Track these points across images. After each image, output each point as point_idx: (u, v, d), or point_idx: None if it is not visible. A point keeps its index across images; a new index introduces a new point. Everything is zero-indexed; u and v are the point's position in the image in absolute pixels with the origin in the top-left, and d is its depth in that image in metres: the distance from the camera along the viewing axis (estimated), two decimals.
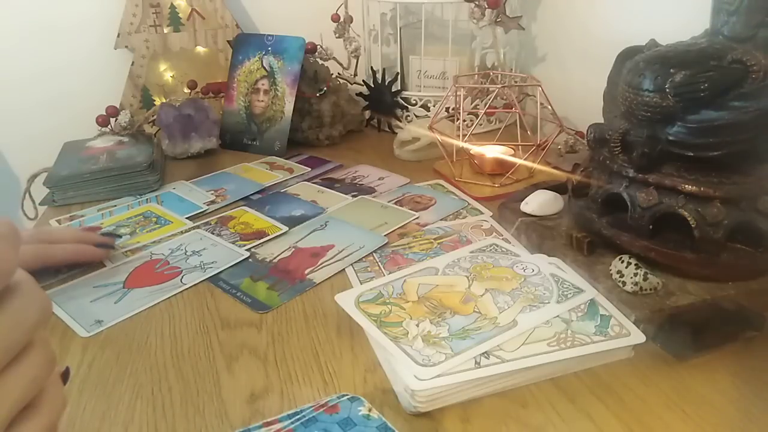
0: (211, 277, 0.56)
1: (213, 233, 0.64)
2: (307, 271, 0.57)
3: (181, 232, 0.65)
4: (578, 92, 0.80)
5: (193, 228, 0.66)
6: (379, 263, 0.57)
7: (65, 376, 0.37)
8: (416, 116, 0.95)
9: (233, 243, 0.62)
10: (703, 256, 0.47)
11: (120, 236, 0.63)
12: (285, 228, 0.65)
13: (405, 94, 0.95)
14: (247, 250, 0.60)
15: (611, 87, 0.55)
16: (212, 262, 0.58)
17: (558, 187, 0.63)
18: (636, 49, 0.53)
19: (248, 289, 0.54)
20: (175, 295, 0.54)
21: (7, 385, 0.21)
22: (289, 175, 0.81)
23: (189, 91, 0.94)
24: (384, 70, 0.95)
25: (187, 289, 0.55)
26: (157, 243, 0.63)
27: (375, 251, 0.59)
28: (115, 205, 0.73)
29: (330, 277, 0.56)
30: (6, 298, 0.21)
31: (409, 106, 0.95)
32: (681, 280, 0.48)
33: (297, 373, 0.44)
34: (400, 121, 0.95)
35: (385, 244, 0.61)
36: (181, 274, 0.57)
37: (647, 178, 0.49)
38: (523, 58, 1.01)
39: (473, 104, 0.91)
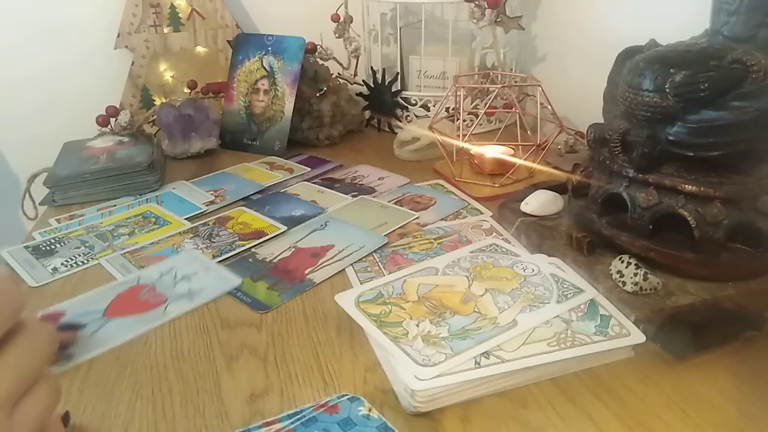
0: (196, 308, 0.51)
1: (212, 234, 0.64)
2: (307, 271, 0.57)
3: (180, 233, 0.65)
4: (578, 92, 0.80)
5: (191, 232, 0.65)
6: (379, 263, 0.57)
7: (66, 419, 0.37)
8: (416, 116, 0.95)
9: (232, 242, 0.62)
10: (703, 256, 0.47)
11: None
12: (284, 227, 0.65)
13: (405, 94, 0.95)
14: (245, 250, 0.61)
15: (611, 87, 0.55)
16: (201, 290, 0.53)
17: (558, 187, 0.63)
18: (636, 49, 0.53)
19: (248, 289, 0.54)
20: (156, 327, 0.49)
21: (21, 417, 0.22)
22: (289, 175, 0.81)
23: (189, 91, 0.94)
24: (384, 70, 0.95)
25: (169, 321, 0.50)
26: (145, 268, 0.58)
27: (375, 251, 0.59)
28: (115, 205, 0.73)
29: (330, 277, 0.56)
30: (16, 333, 0.22)
31: (409, 106, 0.95)
32: (681, 280, 0.48)
33: (297, 373, 0.44)
34: (400, 121, 0.95)
35: (385, 244, 0.60)
36: (166, 303, 0.52)
37: (647, 178, 0.49)
38: (523, 58, 1.01)
39: (473, 104, 0.91)
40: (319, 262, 0.58)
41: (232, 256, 0.60)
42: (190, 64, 1.01)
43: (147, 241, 0.64)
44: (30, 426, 0.22)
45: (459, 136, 0.74)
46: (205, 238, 0.64)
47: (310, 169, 0.83)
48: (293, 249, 0.61)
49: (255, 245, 0.62)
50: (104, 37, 0.95)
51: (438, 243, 0.60)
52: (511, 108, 0.83)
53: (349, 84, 0.97)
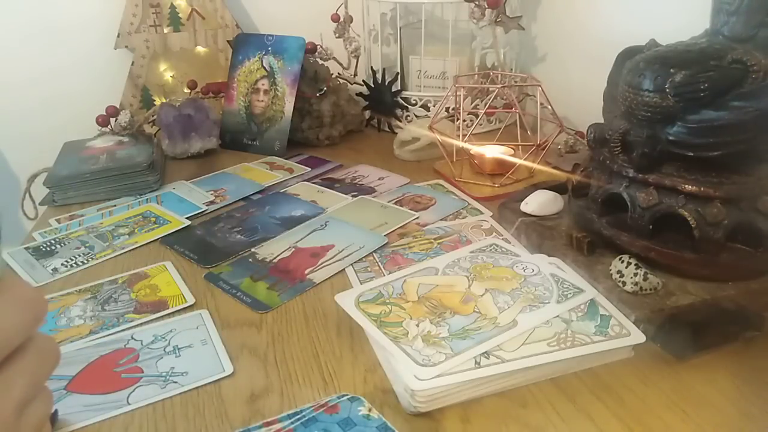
0: (175, 383, 0.43)
1: (110, 297, 0.53)
2: (307, 271, 0.57)
3: (76, 292, 0.55)
4: (578, 92, 0.80)
5: (90, 291, 0.54)
6: (379, 263, 0.57)
7: (54, 417, 0.37)
8: (416, 116, 0.95)
9: (123, 313, 0.51)
10: (703, 256, 0.47)
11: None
12: (191, 301, 0.52)
13: (405, 94, 0.95)
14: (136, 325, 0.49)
15: (611, 87, 0.55)
16: (182, 373, 0.44)
17: (558, 187, 0.63)
18: (636, 49, 0.53)
19: (248, 289, 0.54)
20: (114, 416, 0.40)
21: (26, 420, 0.22)
22: (289, 175, 0.81)
23: (189, 91, 0.94)
24: (384, 70, 0.95)
25: (130, 411, 0.41)
26: (139, 326, 0.49)
27: (375, 251, 0.59)
28: (115, 205, 0.73)
29: (330, 277, 0.56)
30: (30, 342, 0.23)
31: (409, 106, 0.95)
32: (681, 280, 0.48)
33: (297, 373, 0.44)
34: (400, 121, 0.95)
35: (385, 244, 0.60)
36: (136, 385, 0.43)
37: (647, 178, 0.49)
38: (523, 58, 1.01)
39: (473, 104, 0.91)
40: (319, 262, 0.58)
41: (109, 335, 0.48)
42: (190, 64, 1.00)
43: (146, 240, 0.64)
44: (31, 429, 0.23)
45: (459, 136, 0.74)
46: (101, 302, 0.53)
47: (310, 169, 0.83)
48: (293, 249, 0.61)
49: (140, 324, 0.50)
50: (104, 37, 0.95)
51: (438, 243, 0.60)
52: (511, 108, 0.83)
53: (349, 84, 0.97)
